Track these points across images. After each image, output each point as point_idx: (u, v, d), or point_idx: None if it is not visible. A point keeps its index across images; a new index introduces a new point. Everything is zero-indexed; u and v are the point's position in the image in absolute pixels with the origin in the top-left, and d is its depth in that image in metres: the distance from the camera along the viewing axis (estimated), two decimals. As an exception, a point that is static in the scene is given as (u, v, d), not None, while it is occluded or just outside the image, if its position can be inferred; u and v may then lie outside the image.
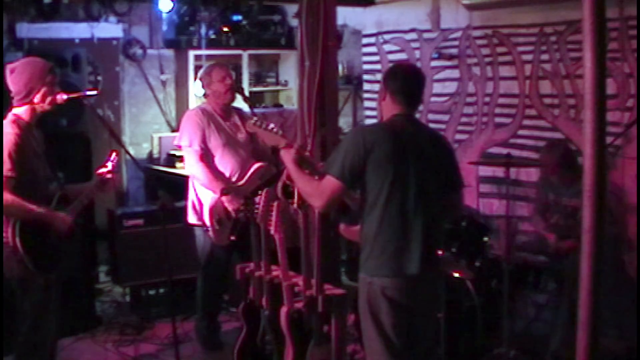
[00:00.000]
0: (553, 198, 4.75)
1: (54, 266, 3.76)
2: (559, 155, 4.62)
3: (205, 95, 4.78)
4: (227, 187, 4.53)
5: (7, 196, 3.48)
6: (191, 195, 4.72)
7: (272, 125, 3.53)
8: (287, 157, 3.28)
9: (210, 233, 4.62)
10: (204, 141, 4.61)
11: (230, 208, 4.50)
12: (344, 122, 7.06)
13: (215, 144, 4.63)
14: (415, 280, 3.09)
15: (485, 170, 5.56)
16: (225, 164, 4.66)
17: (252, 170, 4.64)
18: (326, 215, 3.73)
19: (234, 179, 4.65)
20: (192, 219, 4.73)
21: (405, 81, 3.23)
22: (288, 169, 3.33)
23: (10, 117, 3.65)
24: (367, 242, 3.14)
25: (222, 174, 4.64)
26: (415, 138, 3.16)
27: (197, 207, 4.67)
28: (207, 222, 4.60)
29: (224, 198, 4.52)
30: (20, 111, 3.66)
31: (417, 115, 3.42)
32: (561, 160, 4.59)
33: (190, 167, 4.65)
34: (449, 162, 3.31)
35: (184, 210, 4.82)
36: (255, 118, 3.97)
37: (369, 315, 3.12)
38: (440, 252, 3.37)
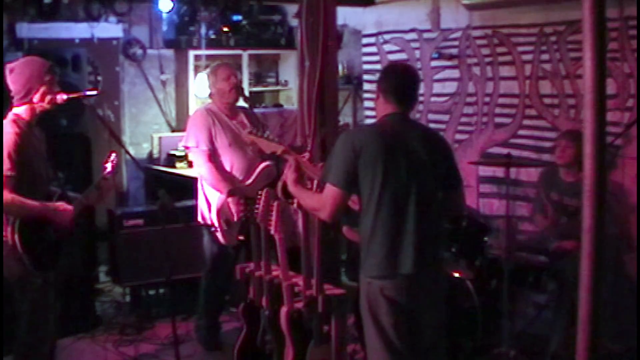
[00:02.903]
0: (557, 197, 4.73)
1: (52, 265, 3.75)
2: (574, 137, 4.56)
3: (210, 95, 4.78)
4: (234, 188, 4.53)
5: (7, 195, 3.48)
6: (200, 196, 4.73)
7: (267, 133, 3.53)
8: (288, 179, 3.33)
9: (219, 234, 4.62)
10: (211, 141, 4.60)
11: (234, 210, 4.50)
12: (344, 122, 7.06)
13: (221, 143, 4.62)
14: (411, 279, 3.08)
15: (485, 170, 5.56)
16: (232, 162, 4.65)
17: (258, 169, 4.63)
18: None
19: (241, 178, 4.64)
20: (200, 219, 4.73)
21: (397, 80, 3.22)
22: (291, 191, 3.37)
23: (10, 116, 3.65)
24: (365, 244, 3.14)
25: (230, 174, 4.63)
26: (405, 137, 3.14)
27: (206, 207, 4.67)
28: (215, 223, 4.60)
29: (229, 199, 4.52)
30: (20, 111, 3.66)
31: (417, 115, 3.41)
32: (576, 142, 4.52)
33: (199, 167, 4.66)
34: (444, 160, 3.26)
35: (184, 210, 4.81)
36: (248, 128, 3.96)
37: (369, 316, 3.12)
38: (441, 251, 3.35)
